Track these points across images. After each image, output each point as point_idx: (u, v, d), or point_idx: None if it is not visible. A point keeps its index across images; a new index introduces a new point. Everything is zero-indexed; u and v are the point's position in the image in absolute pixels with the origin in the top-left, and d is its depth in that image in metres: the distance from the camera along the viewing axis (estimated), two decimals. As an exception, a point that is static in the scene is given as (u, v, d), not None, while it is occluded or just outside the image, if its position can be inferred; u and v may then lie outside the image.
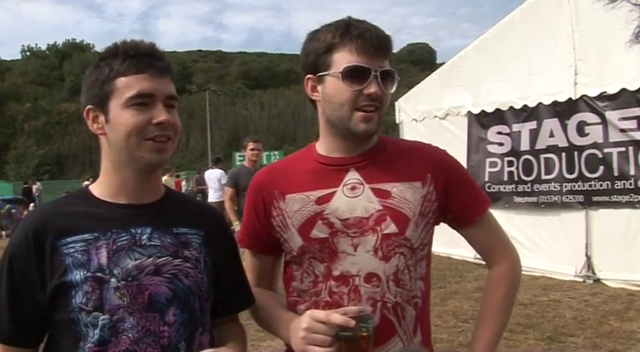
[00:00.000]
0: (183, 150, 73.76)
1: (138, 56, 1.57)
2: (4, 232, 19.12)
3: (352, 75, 1.67)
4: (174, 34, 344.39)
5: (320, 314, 1.58)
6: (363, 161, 1.78)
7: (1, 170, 58.88)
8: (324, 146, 1.83)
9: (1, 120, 66.81)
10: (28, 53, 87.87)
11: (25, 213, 18.58)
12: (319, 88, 1.75)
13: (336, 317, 1.54)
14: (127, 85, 1.54)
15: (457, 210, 1.81)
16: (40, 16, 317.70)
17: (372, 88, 1.67)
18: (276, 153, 41.46)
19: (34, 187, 27.68)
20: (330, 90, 1.71)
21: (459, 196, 1.81)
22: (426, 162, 1.80)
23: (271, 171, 1.93)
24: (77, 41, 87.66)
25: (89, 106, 1.59)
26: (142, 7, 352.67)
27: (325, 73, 1.71)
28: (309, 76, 1.77)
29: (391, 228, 1.72)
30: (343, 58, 1.68)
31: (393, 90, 1.75)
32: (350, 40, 1.68)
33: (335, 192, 1.75)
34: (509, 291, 1.90)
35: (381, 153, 1.81)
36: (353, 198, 1.74)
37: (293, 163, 1.91)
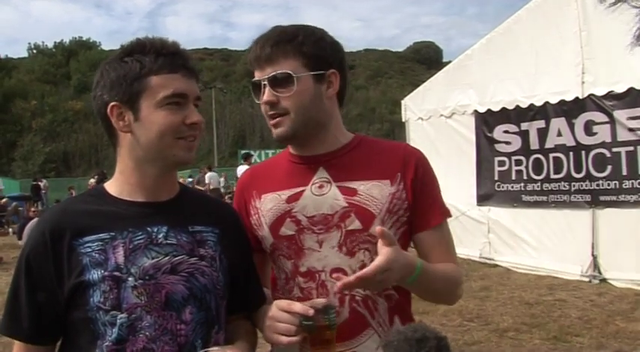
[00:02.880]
0: (189, 148, 73.61)
1: (170, 55, 1.57)
2: (10, 229, 19.17)
3: (254, 89, 1.78)
4: (181, 32, 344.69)
5: (283, 303, 1.63)
6: (332, 159, 1.81)
7: (7, 167, 59.07)
8: (294, 146, 1.86)
9: (8, 117, 67.04)
10: (34, 51, 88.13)
11: (33, 210, 18.62)
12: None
13: (297, 305, 1.59)
14: (162, 85, 1.54)
15: (415, 213, 1.80)
16: (48, 14, 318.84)
17: (264, 96, 1.75)
18: (282, 151, 41.59)
19: (41, 184, 27.78)
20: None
21: (421, 199, 1.79)
22: (397, 160, 1.81)
23: (252, 172, 2.01)
24: (84, 39, 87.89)
25: (114, 103, 1.56)
26: (149, 5, 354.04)
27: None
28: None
29: (355, 224, 1.74)
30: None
31: (295, 90, 1.72)
32: (248, 57, 1.78)
33: (304, 190, 1.79)
34: (454, 278, 1.83)
35: (352, 151, 1.83)
36: (320, 196, 1.77)
37: (271, 164, 1.99)
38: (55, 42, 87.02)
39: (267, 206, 1.83)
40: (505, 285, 7.83)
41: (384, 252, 1.52)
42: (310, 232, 1.76)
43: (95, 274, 1.50)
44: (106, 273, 1.50)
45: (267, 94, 1.71)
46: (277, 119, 1.74)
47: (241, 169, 16.21)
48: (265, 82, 1.71)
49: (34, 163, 58.77)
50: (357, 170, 1.79)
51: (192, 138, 1.59)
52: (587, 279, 7.74)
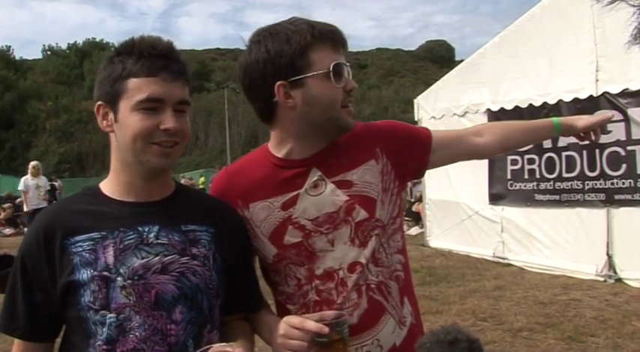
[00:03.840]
0: (202, 147, 73.98)
1: (152, 57, 1.54)
2: (26, 229, 19.31)
3: (337, 73, 1.65)
4: (194, 33, 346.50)
5: (295, 320, 1.59)
6: (324, 157, 1.77)
7: (23, 168, 59.54)
8: (284, 151, 1.78)
9: (24, 118, 67.57)
10: (49, 52, 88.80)
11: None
12: (295, 92, 1.66)
13: (310, 324, 1.54)
14: (138, 88, 1.52)
15: (413, 152, 1.85)
16: (62, 16, 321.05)
17: (352, 84, 1.69)
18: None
19: (56, 184, 27.93)
20: (317, 91, 1.66)
21: (409, 145, 1.85)
22: (372, 138, 1.82)
23: (229, 177, 1.88)
24: (97, 40, 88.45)
25: (100, 102, 1.59)
26: (163, 5, 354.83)
27: (307, 75, 1.65)
28: (281, 82, 1.66)
29: (362, 214, 1.74)
30: (325, 57, 1.65)
31: None
32: (325, 38, 1.65)
33: (298, 194, 1.75)
34: None
35: (335, 145, 1.79)
36: (318, 196, 1.74)
37: (249, 167, 1.86)
38: (68, 43, 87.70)
39: (259, 216, 1.77)
40: (519, 285, 7.77)
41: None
42: (319, 234, 1.73)
43: (85, 274, 1.51)
44: (95, 273, 1.51)
45: (353, 80, 1.69)
46: (351, 108, 1.72)
47: None
48: (349, 69, 1.69)
49: (49, 163, 59.15)
50: (344, 160, 1.77)
51: (169, 143, 1.55)
52: (602, 279, 7.67)
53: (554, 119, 2.08)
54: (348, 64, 1.68)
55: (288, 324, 1.59)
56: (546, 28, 8.44)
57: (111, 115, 1.57)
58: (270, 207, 1.76)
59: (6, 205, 21.37)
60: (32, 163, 13.40)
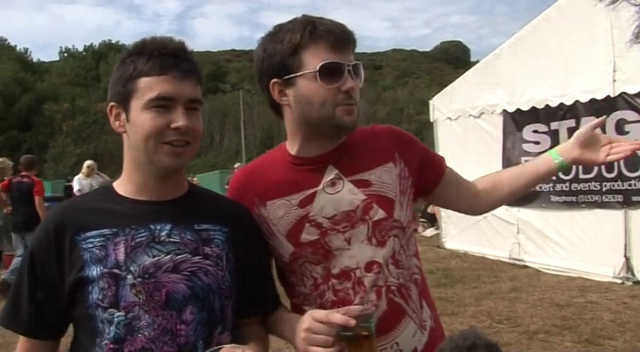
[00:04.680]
0: (218, 148, 74.17)
1: (162, 56, 1.54)
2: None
3: (328, 73, 1.63)
4: (210, 34, 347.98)
5: (320, 314, 1.55)
6: (338, 155, 1.77)
7: (40, 169, 60.06)
8: (296, 147, 1.79)
9: (40, 120, 68.19)
10: (65, 54, 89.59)
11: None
12: (289, 91, 1.70)
13: (336, 317, 1.50)
14: (149, 86, 1.52)
15: (425, 173, 1.87)
16: (80, 18, 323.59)
17: (348, 84, 1.65)
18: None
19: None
20: (306, 91, 1.67)
21: (425, 162, 1.87)
22: (389, 142, 1.83)
23: (246, 175, 1.90)
24: (113, 42, 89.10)
25: (112, 103, 1.59)
26: (179, 7, 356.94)
27: (296, 74, 1.66)
28: (275, 80, 1.70)
29: (380, 213, 1.73)
30: (315, 57, 1.64)
31: (362, 81, 1.73)
32: (320, 37, 1.64)
33: (316, 191, 1.74)
34: None
35: (351, 144, 1.79)
36: (335, 194, 1.73)
37: (266, 166, 1.87)
38: (85, 45, 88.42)
39: (277, 214, 1.76)
40: (535, 287, 7.71)
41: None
42: (335, 232, 1.72)
43: (94, 270, 1.50)
44: (105, 270, 1.49)
45: (352, 82, 1.66)
46: (352, 107, 1.69)
47: None
48: (350, 68, 1.66)
49: (66, 165, 59.58)
50: (362, 160, 1.77)
51: (180, 142, 1.54)
52: (619, 281, 7.59)
53: (551, 150, 1.98)
54: (349, 63, 1.65)
55: (313, 318, 1.54)
56: (563, 29, 8.37)
57: (123, 116, 1.57)
58: (288, 204, 1.75)
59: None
60: (87, 163, 13.19)
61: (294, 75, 1.66)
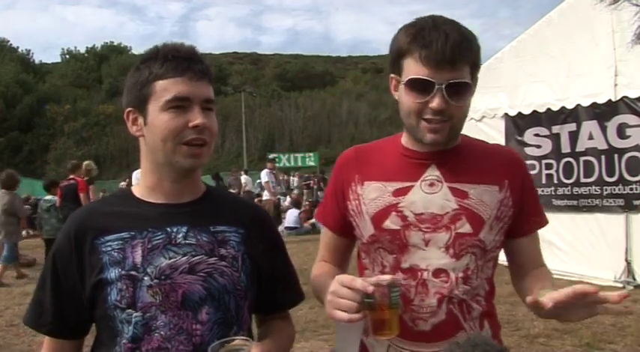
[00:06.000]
0: (219, 151, 74.19)
1: (176, 59, 1.59)
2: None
3: (415, 87, 1.63)
4: (212, 36, 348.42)
5: (346, 278, 1.55)
6: (445, 158, 1.76)
7: (41, 170, 60.09)
8: (406, 138, 1.81)
9: (42, 121, 68.19)
10: (67, 56, 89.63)
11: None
12: (400, 87, 1.73)
13: (357, 281, 1.51)
14: (165, 89, 1.56)
15: (517, 219, 1.80)
16: (83, 19, 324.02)
17: (434, 102, 1.62)
18: (311, 154, 41.52)
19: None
20: (401, 97, 1.71)
21: (525, 206, 1.80)
22: (504, 167, 1.80)
23: (357, 153, 1.91)
24: (115, 44, 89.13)
25: (129, 108, 1.63)
26: (182, 9, 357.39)
27: (399, 77, 1.70)
28: (392, 75, 1.75)
29: (466, 227, 1.71)
30: (409, 67, 1.65)
31: (467, 101, 1.69)
32: (416, 48, 1.62)
33: (413, 186, 1.75)
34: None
35: (463, 153, 1.79)
36: (430, 195, 1.73)
37: (378, 149, 1.90)
38: (87, 47, 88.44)
39: (370, 195, 1.79)
40: (536, 290, 7.68)
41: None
42: (417, 229, 1.73)
43: (113, 273, 1.55)
44: (123, 272, 1.55)
45: (440, 101, 1.61)
46: (439, 125, 1.66)
47: (265, 173, 16.38)
48: (442, 87, 1.61)
49: (67, 166, 59.70)
50: (467, 172, 1.76)
51: (198, 141, 1.58)
52: (620, 285, 7.59)
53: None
54: (444, 81, 1.62)
55: (339, 282, 1.55)
56: (564, 32, 8.38)
57: (140, 120, 1.61)
58: (383, 189, 1.78)
59: (25, 207, 21.54)
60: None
61: (398, 77, 1.72)
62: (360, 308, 1.50)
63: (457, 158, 1.77)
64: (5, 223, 10.88)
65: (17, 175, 11.78)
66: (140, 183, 1.71)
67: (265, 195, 16.33)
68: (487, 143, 1.94)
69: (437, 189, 1.73)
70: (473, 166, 1.77)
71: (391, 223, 1.74)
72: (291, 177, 27.70)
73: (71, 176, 11.84)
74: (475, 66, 1.69)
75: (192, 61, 1.61)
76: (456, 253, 1.71)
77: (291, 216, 17.19)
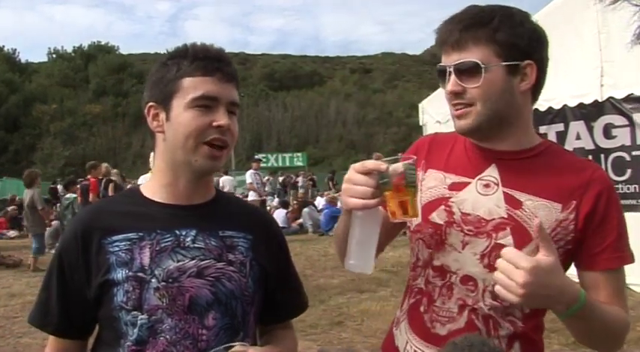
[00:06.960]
0: (206, 151, 73.66)
1: (207, 59, 1.58)
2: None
3: (439, 76, 1.67)
4: (201, 36, 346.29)
5: (357, 164, 1.50)
6: (507, 159, 1.65)
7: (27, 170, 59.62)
8: None
9: (28, 121, 67.65)
10: (54, 55, 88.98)
11: (52, 218, 18.73)
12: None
13: (369, 162, 1.47)
14: (193, 86, 1.56)
15: (584, 249, 1.61)
16: (70, 18, 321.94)
17: (448, 86, 1.63)
18: (299, 154, 41.49)
19: (60, 188, 27.96)
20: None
21: (594, 235, 1.59)
22: (578, 184, 1.60)
23: (432, 140, 1.87)
24: (102, 43, 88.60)
25: (151, 103, 1.62)
26: (170, 9, 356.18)
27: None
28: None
29: (507, 240, 1.58)
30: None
31: (484, 82, 1.58)
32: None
33: (469, 183, 1.68)
34: (621, 325, 1.65)
35: (533, 158, 1.66)
36: (482, 196, 1.65)
37: (450, 140, 1.81)
38: (74, 46, 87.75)
39: (429, 183, 1.74)
40: (523, 290, 7.70)
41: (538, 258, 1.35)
42: (458, 230, 1.64)
43: (120, 273, 1.53)
44: (130, 273, 1.53)
45: (452, 83, 1.59)
46: (461, 110, 1.60)
47: (250, 174, 16.36)
48: (451, 70, 1.59)
49: (54, 166, 59.16)
50: (529, 181, 1.62)
51: (219, 142, 1.56)
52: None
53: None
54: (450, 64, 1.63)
55: (354, 169, 1.49)
56: (551, 33, 8.32)
57: (162, 115, 1.60)
58: (441, 179, 1.73)
59: (10, 208, 21.39)
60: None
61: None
62: (376, 194, 1.45)
63: (523, 162, 1.65)
64: (31, 218, 12.17)
65: (34, 172, 13.06)
66: (152, 181, 1.68)
67: (251, 196, 16.29)
68: (575, 156, 1.76)
69: (491, 191, 1.64)
70: (540, 176, 1.62)
71: (437, 216, 1.68)
72: (274, 178, 27.52)
73: (88, 176, 12.97)
74: (504, 45, 1.59)
75: (222, 62, 1.61)
76: (490, 264, 1.58)
77: (278, 217, 17.19)
